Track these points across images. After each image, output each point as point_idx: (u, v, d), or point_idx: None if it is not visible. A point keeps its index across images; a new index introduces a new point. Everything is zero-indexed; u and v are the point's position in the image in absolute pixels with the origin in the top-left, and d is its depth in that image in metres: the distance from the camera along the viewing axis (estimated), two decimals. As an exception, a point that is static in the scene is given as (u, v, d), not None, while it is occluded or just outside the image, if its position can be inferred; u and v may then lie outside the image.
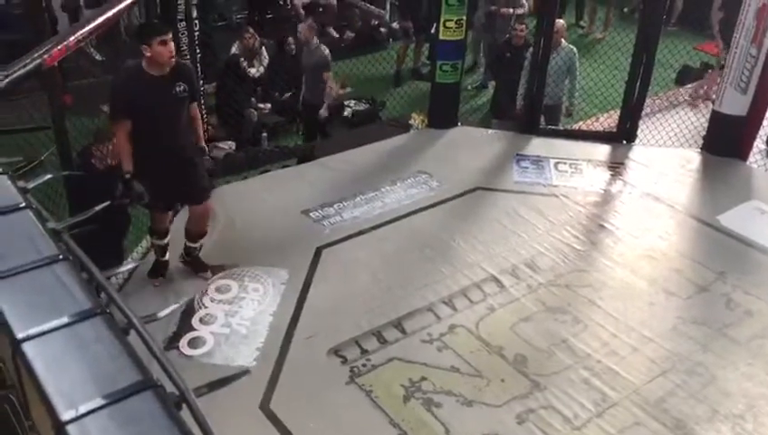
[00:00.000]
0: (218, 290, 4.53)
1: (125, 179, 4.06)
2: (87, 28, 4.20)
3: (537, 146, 6.45)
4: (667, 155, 6.46)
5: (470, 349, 4.18)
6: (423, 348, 4.18)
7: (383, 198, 5.63)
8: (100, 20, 4.27)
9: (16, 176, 1.97)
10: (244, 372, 3.81)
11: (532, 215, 5.47)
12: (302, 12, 9.05)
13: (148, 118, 4.03)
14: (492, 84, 8.09)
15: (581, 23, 10.54)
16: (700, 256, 5.12)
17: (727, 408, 3.88)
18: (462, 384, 3.94)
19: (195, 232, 4.60)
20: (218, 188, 5.59)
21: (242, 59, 7.22)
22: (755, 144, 6.42)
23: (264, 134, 7.27)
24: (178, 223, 4.80)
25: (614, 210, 5.64)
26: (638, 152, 6.47)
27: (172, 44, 4.03)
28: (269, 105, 7.67)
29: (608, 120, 7.16)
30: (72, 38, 3.99)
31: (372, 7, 10.04)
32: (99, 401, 1.31)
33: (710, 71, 8.29)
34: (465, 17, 6.31)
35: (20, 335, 1.44)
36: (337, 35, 9.60)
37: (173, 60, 4.03)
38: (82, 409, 1.30)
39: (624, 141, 6.59)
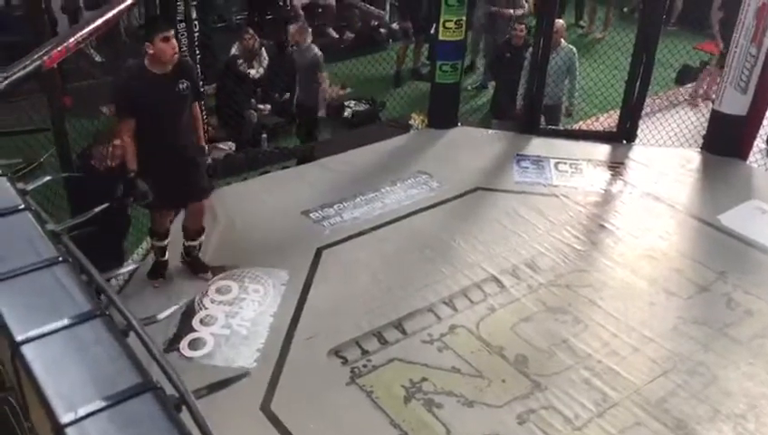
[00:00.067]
0: (219, 291, 4.53)
1: (129, 178, 4.06)
2: (87, 30, 4.19)
3: (537, 146, 6.45)
4: (667, 155, 6.45)
5: (471, 349, 4.18)
6: (423, 348, 4.18)
7: (383, 198, 5.63)
8: (99, 21, 4.26)
9: (16, 178, 1.96)
10: (245, 373, 3.82)
11: (532, 215, 5.47)
12: (301, 13, 9.03)
13: (151, 116, 4.02)
14: (492, 84, 8.08)
15: (581, 22, 10.54)
16: (701, 255, 5.11)
17: (729, 408, 3.88)
18: (463, 385, 3.94)
19: (192, 229, 4.59)
20: (218, 189, 5.59)
21: (240, 60, 7.21)
22: (755, 143, 6.42)
23: (264, 135, 7.26)
24: (177, 223, 4.80)
25: (614, 210, 5.64)
26: (638, 152, 6.47)
27: (174, 41, 4.02)
28: (269, 106, 7.66)
29: (608, 120, 7.16)
30: (71, 40, 3.97)
31: (372, 8, 10.04)
32: (98, 404, 1.30)
33: (707, 67, 8.29)
34: (464, 17, 6.32)
35: (19, 338, 1.44)
36: (337, 36, 9.60)
37: (176, 57, 4.02)
38: (82, 411, 1.29)
39: (624, 141, 6.59)
